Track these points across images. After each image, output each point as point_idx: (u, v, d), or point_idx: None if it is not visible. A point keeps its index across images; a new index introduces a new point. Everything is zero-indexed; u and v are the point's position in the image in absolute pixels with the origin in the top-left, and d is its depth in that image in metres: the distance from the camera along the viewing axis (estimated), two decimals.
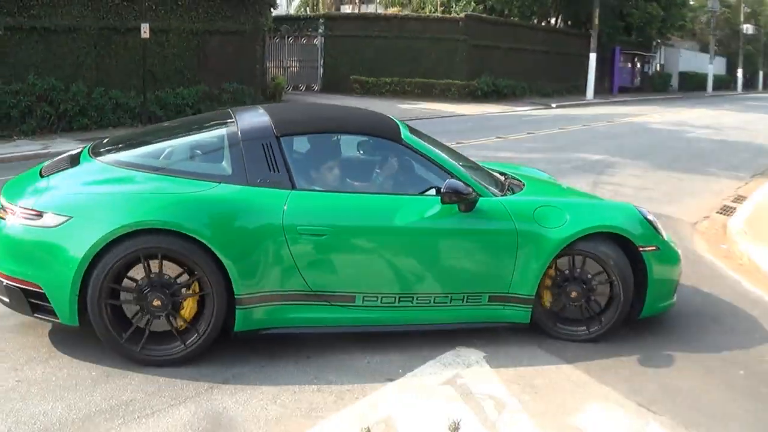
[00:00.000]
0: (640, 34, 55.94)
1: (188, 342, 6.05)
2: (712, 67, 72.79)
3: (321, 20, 40.28)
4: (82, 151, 6.95)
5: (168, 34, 23.69)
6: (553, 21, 53.00)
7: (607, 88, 52.50)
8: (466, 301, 6.69)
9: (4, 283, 6.12)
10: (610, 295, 6.92)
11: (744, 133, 30.39)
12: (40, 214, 6.00)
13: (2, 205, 6.30)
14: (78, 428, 4.86)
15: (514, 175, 8.15)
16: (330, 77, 38.76)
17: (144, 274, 5.96)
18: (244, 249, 6.06)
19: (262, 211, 6.18)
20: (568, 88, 46.61)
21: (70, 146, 17.87)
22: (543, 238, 6.67)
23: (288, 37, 38.08)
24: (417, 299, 6.57)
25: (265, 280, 6.16)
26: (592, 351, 6.58)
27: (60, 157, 7.07)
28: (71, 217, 5.93)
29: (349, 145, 7.44)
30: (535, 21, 49.95)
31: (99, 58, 22.22)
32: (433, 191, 6.60)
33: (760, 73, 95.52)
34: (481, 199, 6.61)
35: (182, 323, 6.10)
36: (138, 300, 5.98)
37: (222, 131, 6.88)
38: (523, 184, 7.64)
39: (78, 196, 6.19)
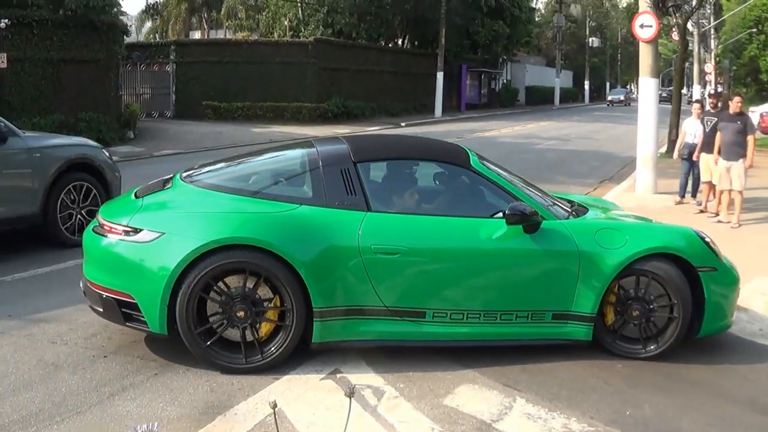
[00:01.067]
0: (486, 51, 57.71)
1: (266, 352, 6.47)
2: (559, 80, 75.37)
3: (172, 47, 40.40)
4: (174, 176, 7.44)
5: (24, 63, 23.60)
6: (400, 42, 54.33)
7: (455, 106, 53.85)
8: (531, 319, 6.91)
9: (103, 296, 6.61)
10: (669, 315, 7.09)
11: (591, 142, 32.19)
12: (136, 231, 6.52)
13: (101, 223, 6.82)
14: None
15: (580, 202, 8.44)
16: (182, 103, 38.78)
17: (228, 288, 6.43)
18: (322, 265, 6.44)
19: (340, 230, 6.59)
20: (417, 106, 47.74)
21: None
22: (603, 259, 6.89)
23: (140, 65, 38.10)
24: (484, 316, 6.82)
25: (341, 295, 6.53)
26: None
27: (153, 181, 7.57)
28: (164, 233, 6.46)
29: (421, 171, 7.75)
30: (383, 43, 51.14)
31: None
32: (500, 214, 6.84)
33: (607, 84, 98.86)
34: (544, 221, 6.90)
35: (263, 335, 6.52)
36: (223, 312, 6.42)
37: (304, 157, 7.38)
38: (587, 209, 7.91)
39: (170, 214, 6.74)
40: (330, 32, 45.49)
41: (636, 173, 17.34)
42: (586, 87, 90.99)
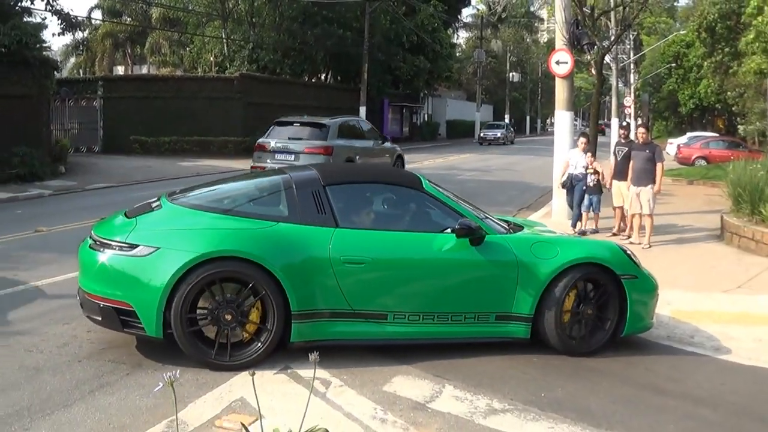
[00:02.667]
0: (407, 86, 58.96)
1: (251, 350, 7.39)
2: (480, 114, 76.45)
3: (100, 82, 40.85)
4: (160, 198, 8.39)
5: None
6: (323, 77, 55.28)
7: None
8: (477, 320, 7.92)
9: (101, 305, 7.39)
10: (596, 316, 8.21)
11: (510, 173, 33.43)
12: (133, 246, 7.37)
13: (97, 240, 7.64)
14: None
15: (514, 222, 9.57)
16: (110, 138, 39.07)
17: (218, 295, 7.29)
18: (299, 273, 7.39)
19: (313, 244, 7.57)
20: None
21: None
22: (538, 267, 7.91)
23: (68, 100, 38.34)
24: (437, 317, 7.83)
25: (316, 300, 7.48)
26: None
27: (141, 204, 8.47)
28: (159, 248, 7.31)
29: (381, 193, 8.70)
30: (307, 78, 52.10)
31: None
32: (449, 230, 7.87)
33: (527, 118, 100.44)
34: (488, 236, 7.92)
35: (247, 335, 7.43)
36: (212, 315, 7.28)
37: (279, 182, 8.36)
38: (522, 227, 9.03)
39: (164, 231, 7.58)
40: (255, 68, 46.14)
41: (552, 201, 18.28)
42: (506, 121, 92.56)
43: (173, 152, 37.40)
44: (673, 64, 67.17)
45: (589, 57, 33.05)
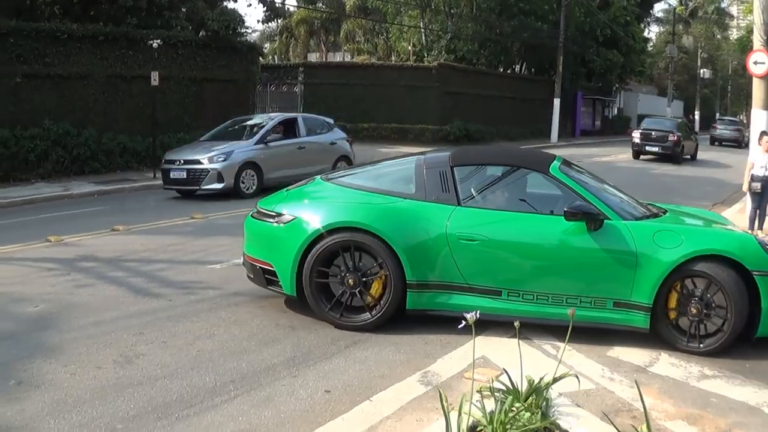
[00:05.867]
0: (600, 79, 58.04)
1: (373, 313, 8.04)
2: (670, 110, 74.56)
3: (301, 68, 41.60)
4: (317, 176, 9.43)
5: (170, 82, 24.82)
6: (518, 68, 54.88)
7: (569, 132, 54.09)
8: (594, 304, 7.84)
9: (252, 265, 8.65)
10: (726, 314, 7.66)
11: (703, 169, 32.30)
12: (279, 215, 8.46)
13: (258, 210, 8.80)
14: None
15: (680, 211, 9.51)
16: None
17: (347, 261, 8.07)
18: (416, 246, 7.95)
19: (432, 220, 8.07)
20: (533, 131, 48.17)
21: (87, 188, 19.49)
22: (660, 256, 7.65)
23: (270, 85, 39.40)
24: (551, 298, 7.89)
25: (431, 271, 7.98)
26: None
27: (302, 181, 9.57)
28: (297, 216, 8.30)
29: (506, 175, 8.77)
30: (502, 69, 51.92)
31: (107, 104, 23.68)
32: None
33: (717, 115, 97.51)
34: (607, 221, 7.86)
35: (370, 299, 8.06)
36: (339, 279, 8.10)
37: (413, 162, 8.91)
38: (664, 213, 8.88)
39: (304, 203, 8.60)
40: (452, 58, 46.30)
41: (747, 197, 17.72)
42: (697, 117, 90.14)
43: (371, 138, 37.73)
44: None
45: None
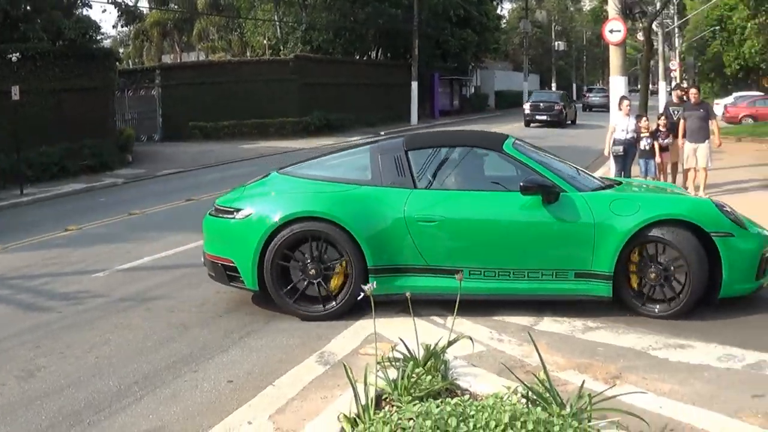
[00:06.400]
0: (456, 59, 58.75)
1: (338, 301, 8.15)
2: (527, 84, 76.24)
3: (157, 71, 41.25)
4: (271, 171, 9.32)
5: (29, 95, 23.64)
6: (374, 55, 55.33)
7: (428, 113, 54.46)
8: (556, 276, 7.97)
9: (213, 263, 8.61)
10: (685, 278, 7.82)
11: (566, 138, 33.82)
12: (237, 210, 8.43)
13: (215, 208, 8.76)
14: None
15: (620, 181, 9.85)
16: (169, 125, 39.23)
17: (306, 252, 8.15)
18: (375, 232, 8.06)
19: (389, 204, 8.17)
20: (393, 116, 48.35)
21: None
22: (617, 224, 7.79)
23: (127, 90, 38.98)
24: (513, 273, 7.99)
25: (392, 256, 8.08)
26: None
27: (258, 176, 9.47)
28: (254, 211, 8.32)
29: (461, 155, 8.82)
30: (358, 57, 52.25)
31: None
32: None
33: (574, 86, 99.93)
34: (563, 193, 7.99)
35: (333, 288, 8.17)
36: (301, 270, 8.17)
37: (367, 149, 9.07)
38: (619, 183, 9.22)
39: (261, 197, 8.64)
40: (308, 49, 46.54)
41: (610, 162, 18.60)
42: (553, 89, 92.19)
43: (232, 136, 37.61)
44: (717, 27, 66.67)
45: (640, 24, 33.29)
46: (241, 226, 8.33)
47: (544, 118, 45.04)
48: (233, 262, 8.37)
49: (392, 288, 8.01)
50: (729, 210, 8.27)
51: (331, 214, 8.02)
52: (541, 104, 46.03)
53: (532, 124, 44.98)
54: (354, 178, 8.60)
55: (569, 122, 47.19)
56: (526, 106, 47.13)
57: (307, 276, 8.15)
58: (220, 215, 8.64)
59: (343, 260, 8.08)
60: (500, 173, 8.62)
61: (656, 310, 7.94)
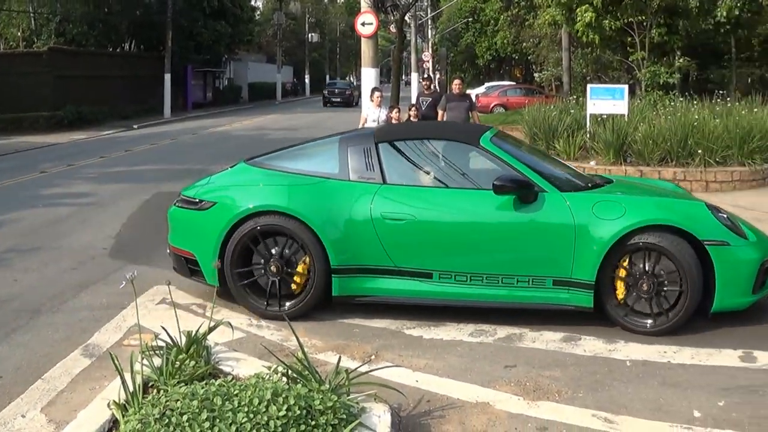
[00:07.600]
0: (209, 51, 59.09)
1: (298, 300, 7.77)
2: (281, 75, 77.67)
3: None
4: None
5: None
6: (128, 47, 55.08)
7: (182, 106, 54.39)
8: (532, 283, 7.33)
9: (175, 255, 8.35)
10: (679, 289, 7.13)
11: (320, 130, 33.93)
12: (200, 201, 8.11)
13: (180, 198, 8.43)
14: None
15: (610, 179, 8.88)
16: None
17: (270, 248, 7.78)
18: (339, 229, 7.61)
19: (355, 200, 7.67)
20: (146, 109, 48.30)
21: None
22: (600, 229, 7.14)
23: None
24: (486, 279, 7.37)
25: (357, 255, 7.58)
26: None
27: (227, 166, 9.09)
28: (216, 203, 7.97)
29: (435, 149, 8.27)
30: (112, 49, 51.99)
31: None
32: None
33: (327, 77, 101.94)
34: (542, 193, 7.41)
35: (296, 287, 7.75)
36: (262, 267, 7.80)
37: (335, 141, 8.52)
38: (608, 182, 8.42)
39: (225, 188, 8.26)
40: (62, 41, 46.00)
41: None
42: (307, 81, 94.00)
43: None
44: (470, 19, 70.08)
45: (392, 17, 35.25)
46: (202, 217, 7.99)
47: (338, 100, 65.20)
48: (194, 255, 8.05)
49: (357, 290, 7.71)
50: (725, 215, 7.66)
51: (291, 209, 7.61)
52: (336, 90, 67.92)
53: (327, 105, 64.53)
54: (322, 171, 8.08)
55: (355, 104, 59.47)
56: (325, 92, 67.71)
57: (268, 273, 7.76)
58: (184, 206, 8.28)
59: (306, 258, 7.67)
60: (478, 169, 8.14)
61: (647, 324, 7.35)
